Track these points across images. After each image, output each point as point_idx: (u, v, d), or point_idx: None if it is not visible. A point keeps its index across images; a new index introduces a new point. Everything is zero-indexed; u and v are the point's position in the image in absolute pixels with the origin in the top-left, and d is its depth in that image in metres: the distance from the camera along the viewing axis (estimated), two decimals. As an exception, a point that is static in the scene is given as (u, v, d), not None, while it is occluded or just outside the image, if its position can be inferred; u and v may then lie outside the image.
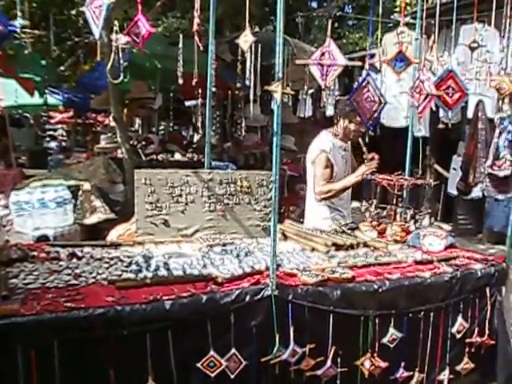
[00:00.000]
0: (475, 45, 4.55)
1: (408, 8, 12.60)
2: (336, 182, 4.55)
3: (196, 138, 9.47)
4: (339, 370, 3.05)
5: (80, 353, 2.39)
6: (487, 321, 3.60)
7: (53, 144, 13.35)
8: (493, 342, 3.64)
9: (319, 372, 2.99)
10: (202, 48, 3.77)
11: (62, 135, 16.39)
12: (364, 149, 4.59)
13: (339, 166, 4.62)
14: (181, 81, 3.77)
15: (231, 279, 2.94)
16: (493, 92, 4.25)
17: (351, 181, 4.51)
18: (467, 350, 3.57)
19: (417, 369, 3.37)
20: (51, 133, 14.93)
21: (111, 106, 7.61)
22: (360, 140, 4.66)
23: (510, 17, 4.26)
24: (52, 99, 12.74)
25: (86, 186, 6.49)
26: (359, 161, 4.82)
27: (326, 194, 4.53)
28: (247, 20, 3.77)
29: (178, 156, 10.35)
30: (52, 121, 14.59)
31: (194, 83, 3.86)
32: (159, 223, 3.93)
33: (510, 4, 4.27)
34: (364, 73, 4.46)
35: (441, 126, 4.86)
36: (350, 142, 4.84)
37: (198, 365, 2.65)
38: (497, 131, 6.96)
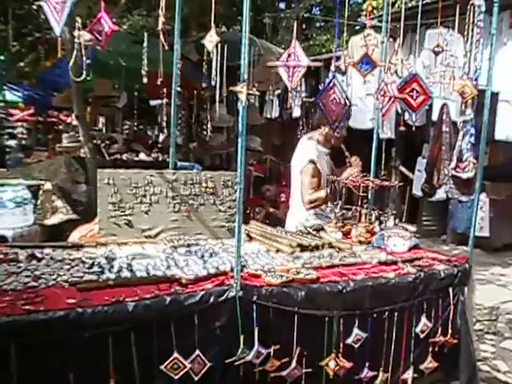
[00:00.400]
0: (439, 49, 4.62)
1: (375, 11, 12.76)
2: (322, 190, 4.59)
3: (161, 137, 9.41)
4: (304, 370, 3.04)
5: (39, 357, 2.33)
6: (450, 320, 3.65)
7: (12, 142, 13.09)
8: (455, 342, 3.69)
9: (284, 373, 2.98)
10: (167, 47, 3.73)
11: (22, 133, 16.09)
12: (346, 153, 4.63)
13: (324, 171, 4.67)
14: (145, 80, 3.73)
15: (195, 280, 2.91)
16: (457, 95, 4.31)
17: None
18: (431, 349, 3.61)
19: (381, 368, 3.39)
20: (10, 131, 14.64)
21: (74, 104, 7.49)
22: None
23: (472, 23, 4.33)
24: (11, 96, 12.52)
25: (47, 185, 6.36)
26: (339, 164, 4.87)
27: (314, 202, 4.60)
28: (213, 20, 3.74)
29: (142, 156, 10.28)
30: (11, 118, 14.35)
31: (159, 83, 3.81)
32: (122, 224, 3.88)
33: (472, 10, 4.34)
34: (330, 75, 4.48)
35: (402, 128, 4.91)
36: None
37: (162, 367, 2.61)
38: (460, 134, 7.07)
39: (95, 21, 3.30)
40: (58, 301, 2.52)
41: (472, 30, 4.35)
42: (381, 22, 5.18)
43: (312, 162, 4.61)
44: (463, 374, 3.72)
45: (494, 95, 7.26)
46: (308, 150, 4.72)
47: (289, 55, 3.41)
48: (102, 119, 16.81)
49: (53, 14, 3.12)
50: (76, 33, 3.31)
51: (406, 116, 4.64)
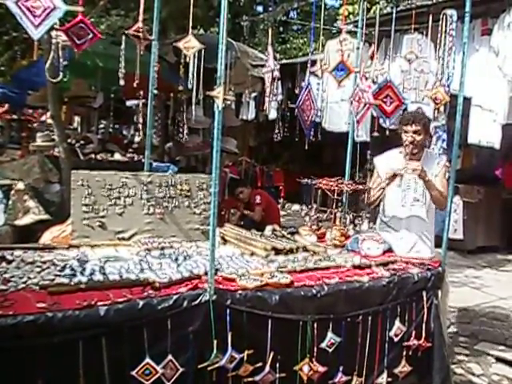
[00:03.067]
0: (412, 56, 4.67)
1: (351, 16, 12.85)
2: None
3: (137, 138, 9.35)
4: (278, 375, 3.04)
5: (6, 362, 2.29)
6: (424, 324, 3.67)
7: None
8: (429, 345, 3.72)
9: (257, 378, 2.97)
10: (142, 52, 3.71)
11: (-5, 131, 15.88)
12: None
13: None
14: (122, 82, 3.70)
15: (169, 284, 2.90)
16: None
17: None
18: (405, 353, 3.63)
19: (355, 373, 3.40)
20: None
21: (49, 103, 7.41)
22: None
23: (445, 32, 4.39)
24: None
25: (20, 185, 6.27)
26: None
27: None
28: (190, 24, 3.72)
29: (117, 156, 10.21)
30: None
31: (135, 85, 3.79)
32: (96, 226, 3.84)
33: (445, 20, 4.40)
34: (306, 79, 4.51)
35: (375, 134, 4.97)
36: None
37: (133, 373, 2.58)
38: (434, 139, 7.17)
39: (73, 23, 3.25)
40: (28, 305, 2.48)
41: (445, 38, 4.41)
42: (357, 27, 5.22)
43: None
44: (437, 377, 3.75)
45: (467, 100, 7.35)
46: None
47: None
48: (77, 119, 16.69)
49: (28, 17, 3.05)
50: (53, 33, 3.26)
51: (381, 120, 4.68)
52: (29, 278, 2.83)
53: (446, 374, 3.79)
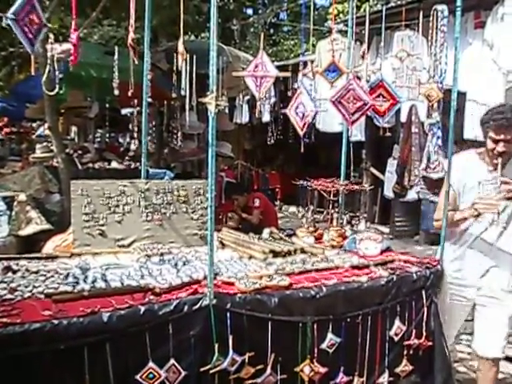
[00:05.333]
0: (403, 54, 4.69)
1: (341, 15, 12.90)
2: None
3: (133, 146, 9.40)
4: (279, 377, 3.06)
5: (14, 369, 2.35)
6: (424, 323, 3.66)
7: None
8: (430, 344, 3.70)
9: (259, 380, 3.00)
10: (136, 62, 3.76)
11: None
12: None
13: None
14: (116, 92, 3.76)
15: (169, 289, 2.94)
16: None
17: None
18: (405, 352, 3.63)
19: (356, 373, 3.40)
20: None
21: (46, 115, 7.48)
22: None
23: (436, 27, 4.41)
24: (-17, 108, 12.38)
25: (22, 196, 6.34)
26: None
27: None
28: (182, 31, 3.77)
29: (115, 164, 10.24)
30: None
31: (130, 94, 3.84)
32: (96, 234, 3.90)
33: (435, 15, 4.42)
34: (299, 81, 4.54)
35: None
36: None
37: (137, 377, 2.63)
38: (429, 136, 7.19)
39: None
40: (34, 313, 2.54)
41: (436, 33, 4.42)
42: (347, 26, 5.26)
43: None
44: (438, 375, 3.74)
45: (462, 95, 7.39)
46: None
47: (256, 65, 3.45)
48: (74, 129, 16.68)
49: (25, 33, 3.12)
50: (48, 46, 3.32)
51: (375, 119, 4.70)
52: (34, 286, 2.89)
53: (448, 372, 3.78)
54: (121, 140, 17.93)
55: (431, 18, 4.46)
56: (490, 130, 3.61)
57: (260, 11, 22.72)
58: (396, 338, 3.57)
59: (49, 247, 4.22)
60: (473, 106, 7.73)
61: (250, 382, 2.98)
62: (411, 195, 9.43)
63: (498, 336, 3.85)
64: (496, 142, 3.57)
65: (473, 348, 4.01)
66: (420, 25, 4.73)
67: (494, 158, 3.64)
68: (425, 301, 3.68)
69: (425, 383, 3.78)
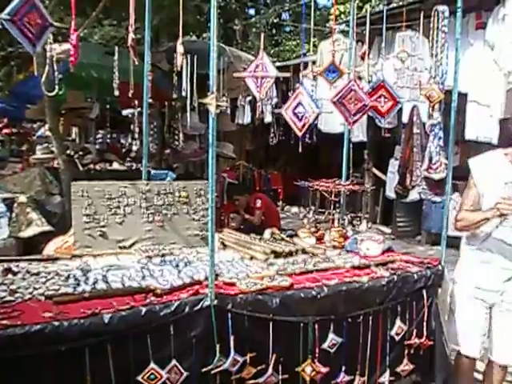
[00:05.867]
0: (404, 55, 4.69)
1: (342, 16, 12.90)
2: None
3: (135, 147, 9.39)
4: (280, 377, 3.07)
5: (16, 371, 2.35)
6: (425, 322, 3.68)
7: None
8: (431, 343, 3.72)
9: (261, 380, 3.00)
10: (137, 62, 3.75)
11: (-4, 145, 15.89)
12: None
13: None
14: (117, 93, 3.75)
15: (170, 290, 2.94)
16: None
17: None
18: (406, 351, 3.64)
19: (357, 372, 3.41)
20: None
21: (47, 116, 7.46)
22: None
23: (437, 28, 4.41)
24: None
25: (22, 198, 6.32)
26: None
27: None
28: (181, 31, 3.76)
29: (116, 165, 10.25)
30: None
31: (130, 95, 3.83)
32: (97, 235, 3.90)
33: (436, 16, 4.42)
34: (300, 81, 4.52)
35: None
36: None
37: (139, 378, 2.63)
38: (430, 137, 7.19)
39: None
40: (35, 315, 2.54)
41: (437, 34, 4.42)
42: (349, 26, 5.25)
43: None
44: (439, 374, 3.75)
45: (463, 96, 7.38)
46: None
47: (256, 66, 3.45)
48: (75, 130, 16.69)
49: (24, 33, 3.10)
50: (48, 47, 3.31)
51: (376, 120, 4.69)
52: (34, 288, 2.89)
53: (449, 371, 3.79)
54: (122, 141, 17.91)
55: (432, 19, 4.46)
56: None
57: (262, 11, 22.70)
58: (397, 338, 3.58)
59: (49, 249, 4.22)
60: (474, 106, 7.72)
61: (252, 382, 2.98)
62: (413, 196, 9.43)
63: None
64: None
65: (486, 351, 3.79)
66: (421, 25, 4.73)
67: None
68: (425, 301, 3.69)
69: (425, 382, 3.80)
